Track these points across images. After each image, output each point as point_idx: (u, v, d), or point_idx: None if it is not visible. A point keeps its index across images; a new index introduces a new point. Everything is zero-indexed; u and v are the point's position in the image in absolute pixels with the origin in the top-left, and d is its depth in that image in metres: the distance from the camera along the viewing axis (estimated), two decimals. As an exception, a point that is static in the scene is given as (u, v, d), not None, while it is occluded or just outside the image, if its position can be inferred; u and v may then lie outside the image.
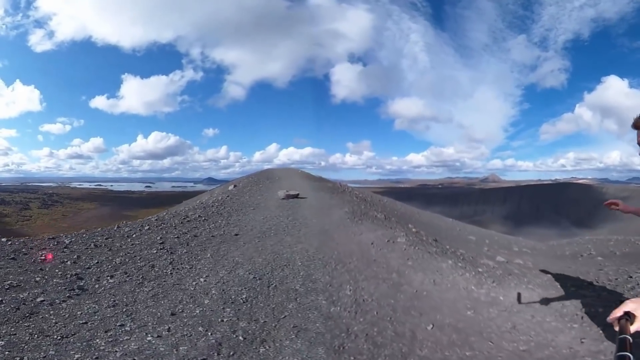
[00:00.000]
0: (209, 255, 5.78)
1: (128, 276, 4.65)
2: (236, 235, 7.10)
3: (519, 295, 4.44)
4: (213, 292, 4.23)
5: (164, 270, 4.98)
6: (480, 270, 5.25)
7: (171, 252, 5.87)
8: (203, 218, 8.96)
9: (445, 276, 4.90)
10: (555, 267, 6.40)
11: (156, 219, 9.25)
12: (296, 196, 11.53)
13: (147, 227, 7.82)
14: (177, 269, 5.08)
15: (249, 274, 4.83)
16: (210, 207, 10.56)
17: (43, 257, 5.02)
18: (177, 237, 6.96)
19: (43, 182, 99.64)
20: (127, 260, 5.37)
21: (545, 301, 4.30)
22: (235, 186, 14.33)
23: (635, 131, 1.82)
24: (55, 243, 5.99)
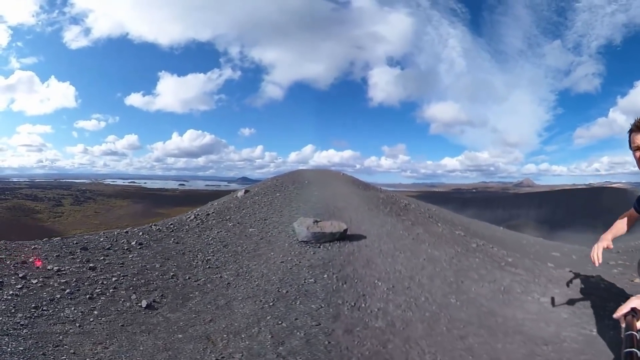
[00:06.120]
0: None
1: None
2: None
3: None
4: None
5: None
6: None
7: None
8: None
9: None
10: None
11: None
12: (342, 236, 5.66)
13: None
14: None
15: None
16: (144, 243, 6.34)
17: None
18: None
19: (77, 179, 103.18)
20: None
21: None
22: (246, 192, 10.82)
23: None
24: None
